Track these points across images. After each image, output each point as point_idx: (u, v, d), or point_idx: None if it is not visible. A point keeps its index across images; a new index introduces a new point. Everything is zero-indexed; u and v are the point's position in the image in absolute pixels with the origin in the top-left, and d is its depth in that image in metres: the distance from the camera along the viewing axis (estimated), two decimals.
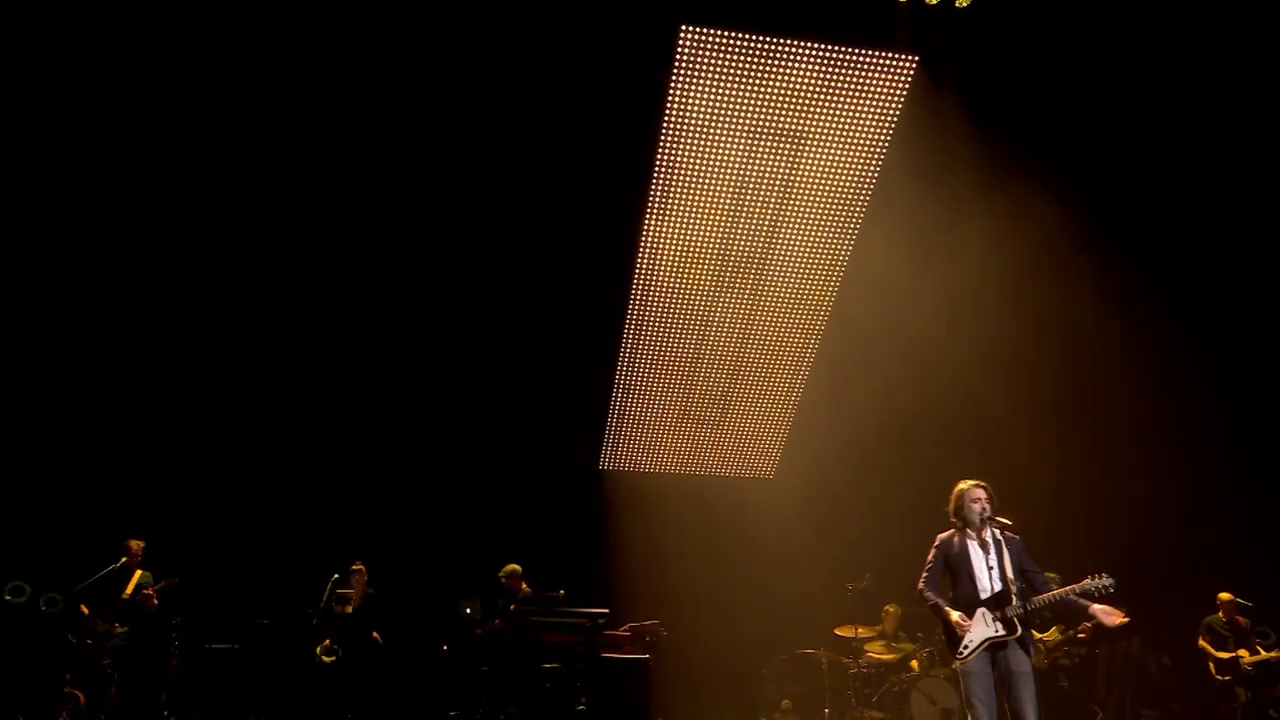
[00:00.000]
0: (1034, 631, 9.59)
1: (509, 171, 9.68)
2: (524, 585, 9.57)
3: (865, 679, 9.37)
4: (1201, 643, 9.94)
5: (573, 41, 8.84)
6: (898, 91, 9.45)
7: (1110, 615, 5.14)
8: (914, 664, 9.54)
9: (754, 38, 9.02)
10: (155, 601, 8.28)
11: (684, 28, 8.88)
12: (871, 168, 9.90)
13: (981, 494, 5.25)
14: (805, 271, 10.67)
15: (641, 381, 11.52)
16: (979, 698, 5.00)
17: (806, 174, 9.96)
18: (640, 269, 10.45)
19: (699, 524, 11.60)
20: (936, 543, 5.37)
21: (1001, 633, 5.01)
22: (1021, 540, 5.31)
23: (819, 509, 11.34)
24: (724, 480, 12.14)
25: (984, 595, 5.09)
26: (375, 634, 8.66)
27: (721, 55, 9.08)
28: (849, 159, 9.85)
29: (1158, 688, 10.08)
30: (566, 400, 11.52)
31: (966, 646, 5.07)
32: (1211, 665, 9.74)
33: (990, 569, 5.12)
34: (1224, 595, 9.93)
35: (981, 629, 5.05)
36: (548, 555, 10.93)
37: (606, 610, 8.46)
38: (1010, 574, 5.11)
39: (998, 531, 5.25)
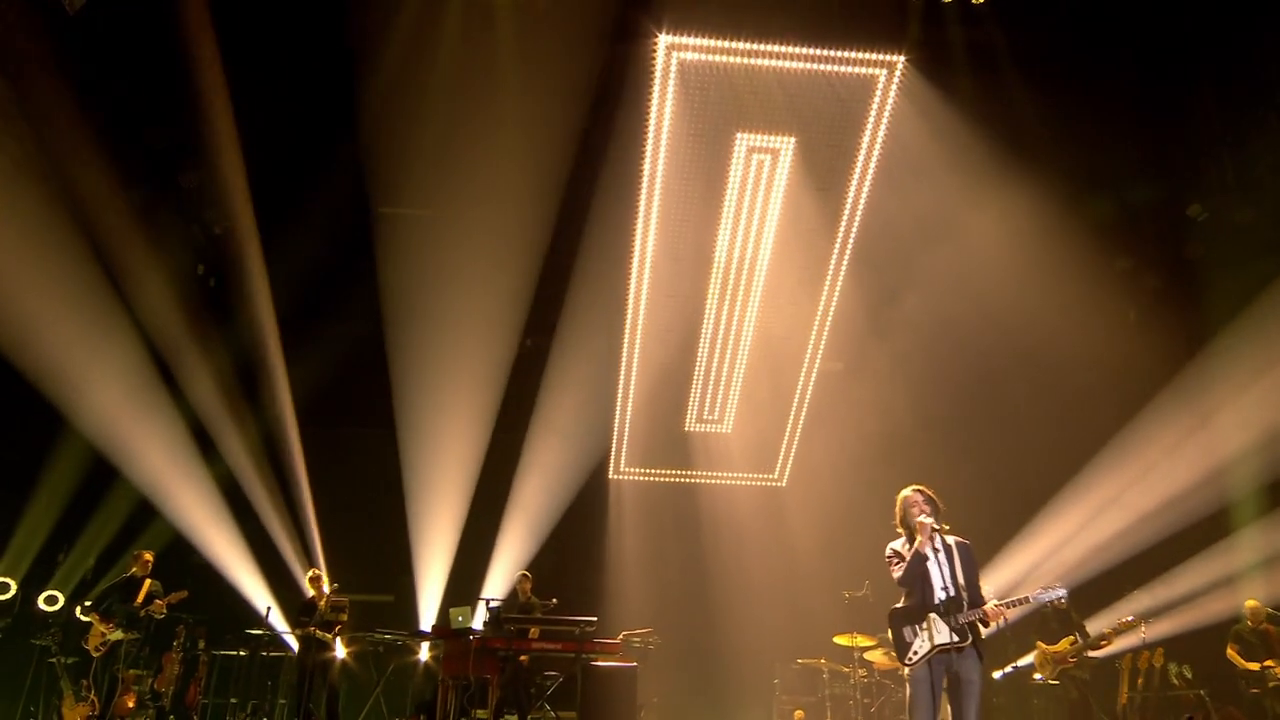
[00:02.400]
0: (1041, 643, 9.51)
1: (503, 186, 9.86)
2: (529, 589, 9.69)
3: (865, 688, 9.21)
4: (1229, 652, 9.49)
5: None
6: (887, 90, 9.30)
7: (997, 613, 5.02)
8: None
9: (734, 44, 8.99)
10: (164, 610, 8.62)
11: (659, 37, 8.89)
12: (863, 167, 9.75)
13: (919, 498, 5.17)
14: (802, 275, 10.57)
15: (648, 390, 11.57)
16: (920, 705, 4.90)
17: (798, 175, 9.87)
18: (635, 278, 10.50)
19: (705, 532, 11.66)
20: (889, 553, 5.26)
21: (955, 640, 4.90)
22: (971, 547, 5.19)
23: (825, 516, 11.22)
24: (729, 488, 12.09)
25: (936, 601, 4.98)
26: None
27: (702, 63, 9.07)
28: (839, 158, 9.72)
29: (1179, 701, 9.62)
30: (576, 410, 11.65)
31: (916, 653, 4.98)
32: (1241, 679, 9.32)
33: (935, 576, 5.01)
34: (1251, 602, 9.48)
35: (932, 636, 4.94)
36: (556, 562, 11.13)
37: (594, 618, 8.52)
38: (961, 580, 5.00)
39: (949, 537, 5.15)
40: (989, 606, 4.96)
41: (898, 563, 5.15)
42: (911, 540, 5.14)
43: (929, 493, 5.20)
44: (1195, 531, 9.95)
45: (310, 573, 9.16)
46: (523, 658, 8.55)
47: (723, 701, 11.00)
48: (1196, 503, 9.70)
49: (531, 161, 9.62)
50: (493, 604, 8.89)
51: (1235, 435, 9.47)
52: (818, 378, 11.54)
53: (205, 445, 9.90)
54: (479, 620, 8.78)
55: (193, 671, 8.79)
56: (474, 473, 10.90)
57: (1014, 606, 5.07)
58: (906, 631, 5.04)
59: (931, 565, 5.02)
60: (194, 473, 9.60)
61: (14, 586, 9.79)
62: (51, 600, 10.16)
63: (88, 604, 8.75)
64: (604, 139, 9.44)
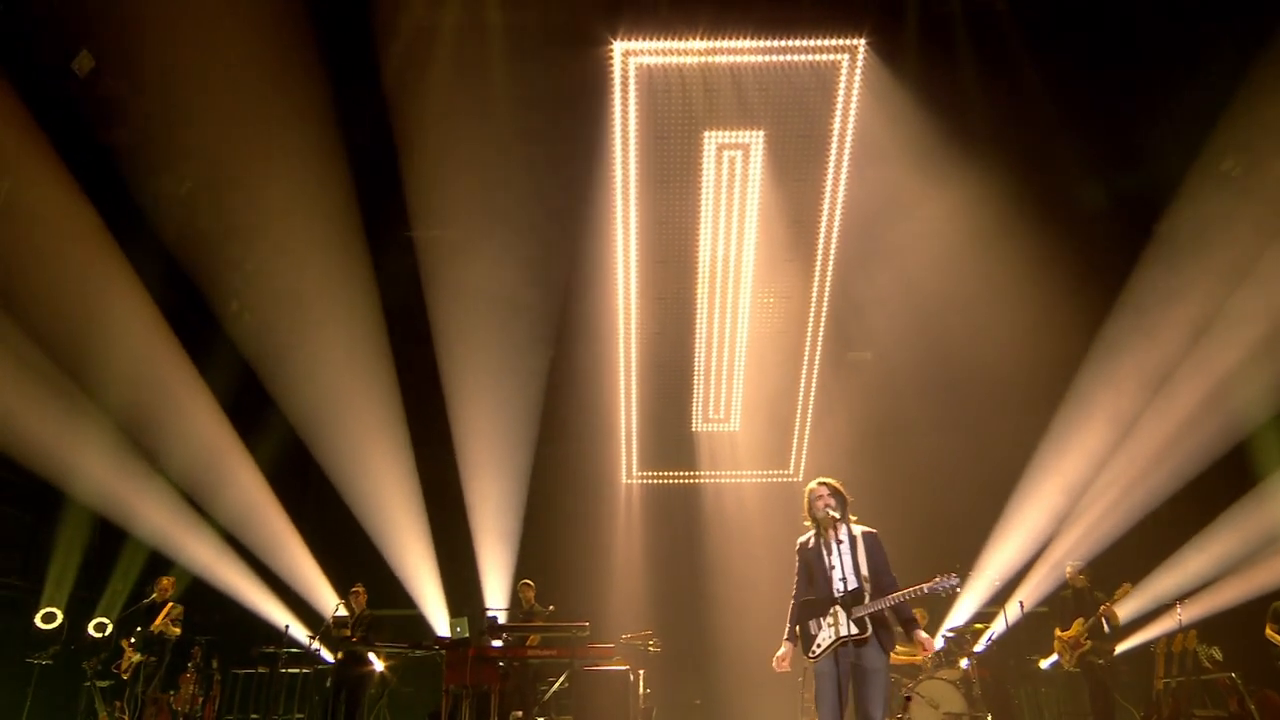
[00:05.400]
0: (1058, 629, 9.15)
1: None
2: (532, 597, 9.86)
3: None
4: (1269, 632, 8.96)
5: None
6: (851, 75, 9.14)
7: (926, 644, 5.03)
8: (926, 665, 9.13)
9: (690, 44, 8.98)
10: (178, 632, 9.09)
11: (615, 44, 8.95)
12: (837, 153, 9.60)
13: (824, 491, 5.16)
14: (789, 267, 10.45)
15: (651, 394, 11.61)
16: (824, 698, 4.87)
17: (773, 168, 9.78)
18: (621, 283, 10.57)
19: (721, 531, 11.64)
20: (796, 546, 5.28)
21: (854, 632, 4.84)
22: (878, 536, 5.14)
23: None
24: (742, 486, 12.02)
25: (837, 594, 4.94)
26: (371, 663, 9.08)
27: (660, 65, 9.10)
28: (811, 148, 9.60)
29: (1211, 685, 9.13)
30: (585, 416, 11.80)
31: (819, 645, 4.95)
32: (1278, 660, 8.80)
33: (836, 568, 4.96)
34: None
35: (833, 628, 4.90)
36: (571, 568, 11.29)
37: (587, 623, 8.62)
38: (864, 572, 4.96)
39: (855, 529, 5.11)
40: (891, 596, 4.92)
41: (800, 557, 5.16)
42: (819, 533, 5.11)
43: (835, 485, 5.19)
44: (1213, 486, 9.44)
45: (355, 588, 9.49)
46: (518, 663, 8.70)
47: (741, 700, 10.96)
48: (1206, 446, 9.18)
49: (509, 177, 9.81)
50: (492, 613, 9.10)
51: (1231, 351, 8.83)
52: (844, 368, 11.42)
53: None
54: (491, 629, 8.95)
55: (209, 691, 9.23)
56: (492, 482, 11.17)
57: (910, 598, 4.96)
58: (811, 624, 5.02)
59: (835, 557, 4.98)
60: (209, 503, 10.18)
61: (60, 615, 10.43)
62: (101, 627, 10.80)
63: (142, 629, 9.27)
64: (571, 149, 9.53)
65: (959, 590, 4.98)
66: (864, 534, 5.11)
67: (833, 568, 4.96)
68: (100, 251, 8.46)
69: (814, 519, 5.18)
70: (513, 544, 10.86)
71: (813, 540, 5.17)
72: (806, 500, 5.23)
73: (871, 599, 4.89)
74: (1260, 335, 8.56)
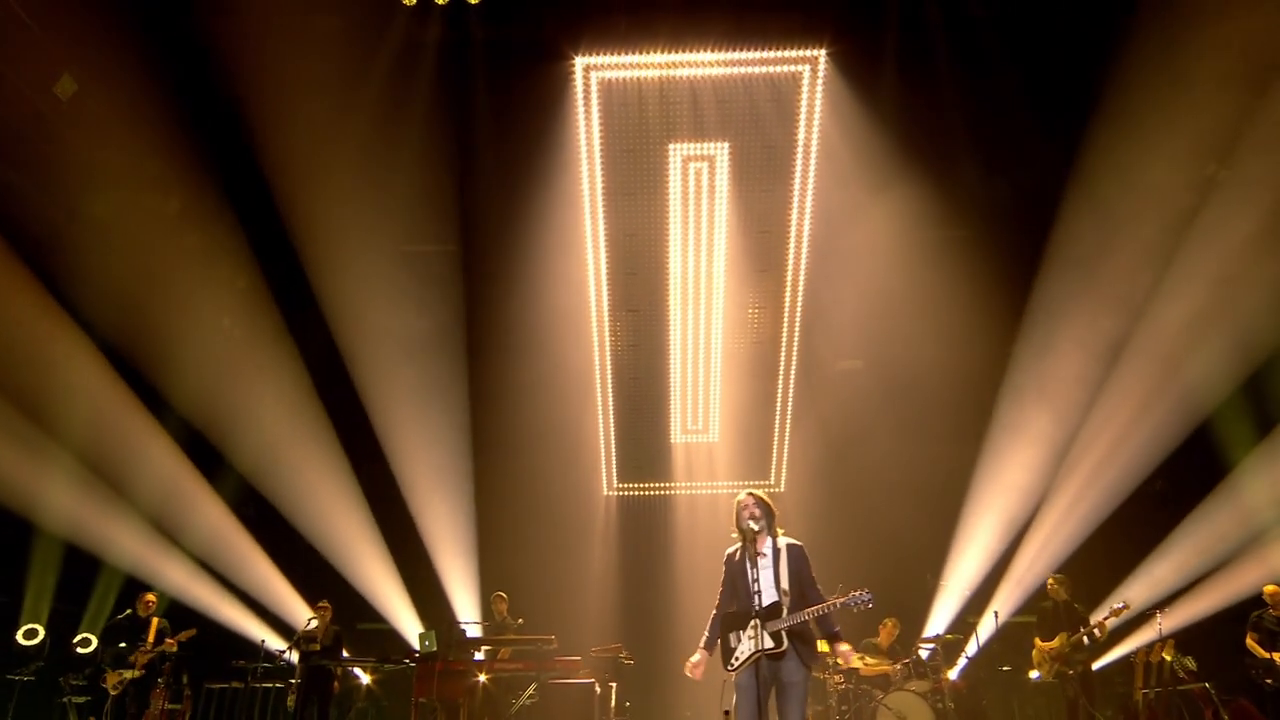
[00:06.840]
0: (1038, 640, 9.03)
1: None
2: (504, 609, 9.88)
3: (841, 694, 8.99)
4: (1248, 642, 8.86)
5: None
6: (814, 85, 9.15)
7: (845, 657, 5.10)
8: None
9: (651, 58, 9.02)
10: (176, 647, 9.14)
11: (576, 59, 9.01)
12: (803, 163, 9.61)
13: (750, 502, 5.13)
14: (762, 277, 10.46)
15: (630, 405, 11.63)
16: (742, 710, 4.86)
17: (739, 179, 9.79)
18: (594, 295, 10.60)
19: (698, 543, 11.61)
20: (724, 558, 5.27)
21: (769, 646, 4.83)
22: (803, 550, 5.12)
23: (823, 519, 11.00)
24: (719, 498, 11.99)
25: (757, 607, 4.92)
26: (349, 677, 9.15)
27: (621, 79, 9.15)
28: (777, 158, 9.61)
29: (1188, 695, 8.99)
30: (564, 429, 11.82)
31: (738, 658, 4.94)
32: (1252, 670, 8.70)
33: (758, 580, 4.94)
34: (1270, 588, 8.85)
35: (750, 642, 4.89)
36: (554, 579, 11.30)
37: (552, 636, 8.62)
38: (785, 585, 4.94)
39: (780, 541, 5.09)
40: (807, 610, 4.90)
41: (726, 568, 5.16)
42: (745, 544, 5.09)
43: (761, 496, 5.16)
44: (1181, 480, 9.33)
45: (321, 604, 9.54)
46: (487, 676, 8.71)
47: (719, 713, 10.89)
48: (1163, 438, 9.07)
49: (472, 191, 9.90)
50: (462, 625, 9.13)
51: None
52: (821, 377, 11.40)
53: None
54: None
55: (180, 706, 9.28)
56: (459, 495, 11.25)
57: (822, 613, 4.93)
58: (731, 637, 5.02)
59: (752, 572, 4.96)
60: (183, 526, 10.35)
61: (42, 631, 10.52)
62: (85, 643, 10.89)
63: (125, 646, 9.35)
64: (537, 164, 9.58)
65: (871, 606, 4.92)
66: (788, 546, 5.06)
67: (756, 581, 4.94)
68: (45, 309, 8.74)
69: (741, 530, 5.17)
70: (472, 557, 10.89)
71: (738, 553, 5.16)
72: (735, 511, 5.22)
73: (791, 613, 4.88)
74: (1199, 316, 8.44)
